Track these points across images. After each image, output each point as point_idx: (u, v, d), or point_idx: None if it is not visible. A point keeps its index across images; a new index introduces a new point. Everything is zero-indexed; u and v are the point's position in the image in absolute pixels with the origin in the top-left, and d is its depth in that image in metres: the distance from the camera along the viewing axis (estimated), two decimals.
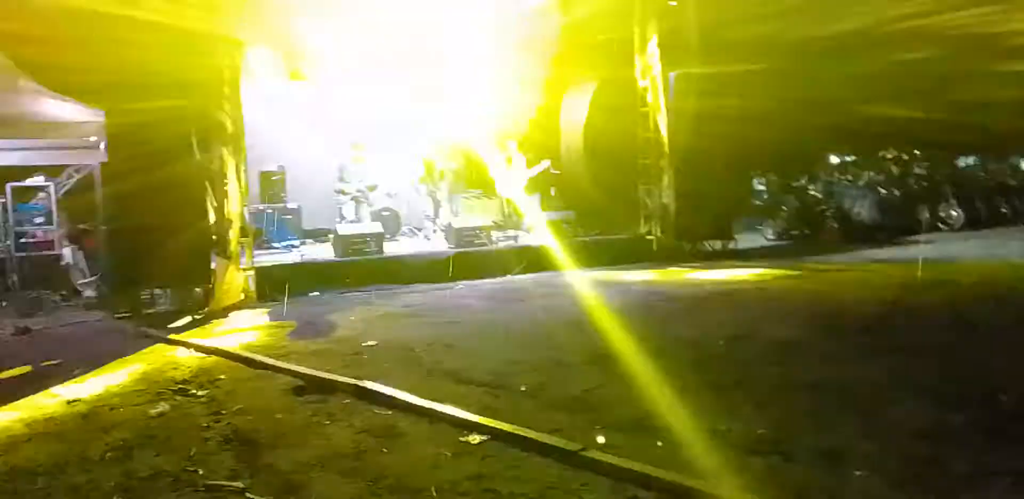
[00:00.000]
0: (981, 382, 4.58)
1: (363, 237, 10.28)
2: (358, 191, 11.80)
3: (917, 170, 15.42)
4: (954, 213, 14.96)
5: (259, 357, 5.97)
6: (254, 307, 8.76)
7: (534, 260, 10.84)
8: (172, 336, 7.11)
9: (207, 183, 8.93)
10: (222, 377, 5.52)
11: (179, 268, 8.59)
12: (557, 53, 13.47)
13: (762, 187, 15.65)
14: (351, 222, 11.53)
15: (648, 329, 6.63)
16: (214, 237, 8.87)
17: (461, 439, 3.93)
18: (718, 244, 12.30)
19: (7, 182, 9.54)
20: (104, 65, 8.07)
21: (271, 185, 12.64)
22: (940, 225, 14.74)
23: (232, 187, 9.02)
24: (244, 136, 9.25)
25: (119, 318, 8.30)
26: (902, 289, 8.22)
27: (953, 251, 11.53)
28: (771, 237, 14.79)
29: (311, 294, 9.39)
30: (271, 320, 7.94)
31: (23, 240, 9.44)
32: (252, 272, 9.12)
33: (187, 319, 8.16)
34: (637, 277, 10.09)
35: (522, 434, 3.86)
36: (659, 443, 3.73)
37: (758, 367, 5.15)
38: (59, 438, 4.26)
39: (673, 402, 4.43)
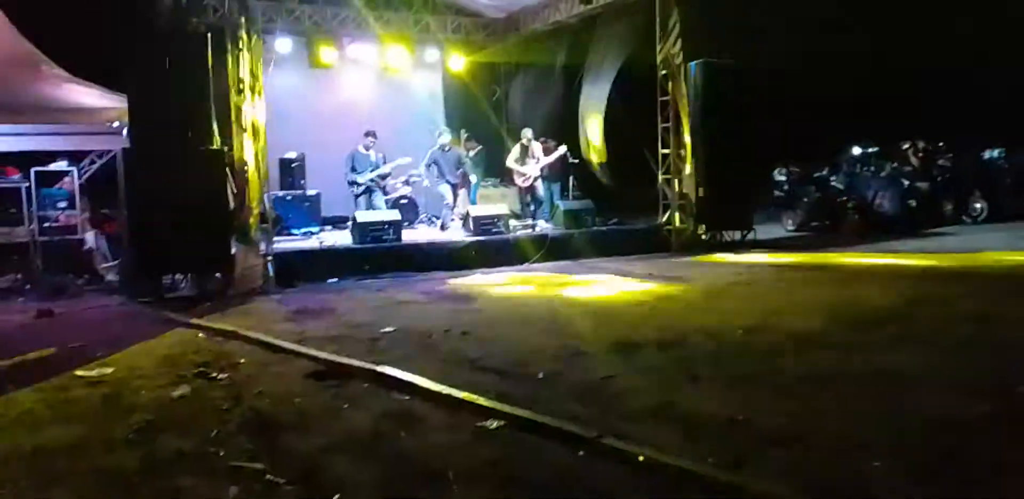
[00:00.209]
0: (1004, 374, 4.52)
1: (381, 224, 10.31)
2: (371, 180, 11.82)
3: (941, 162, 15.22)
4: (978, 205, 14.78)
5: (278, 342, 6.02)
6: (273, 293, 8.83)
7: (552, 249, 10.84)
8: (193, 320, 7.18)
9: (227, 169, 9.00)
10: (242, 361, 5.57)
11: (200, 254, 8.67)
12: (578, 39, 13.47)
13: (782, 178, 15.52)
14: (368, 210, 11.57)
15: (666, 318, 6.62)
16: (234, 223, 8.94)
17: (478, 425, 3.94)
18: (737, 234, 12.23)
19: (31, 167, 9.64)
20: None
21: (291, 172, 12.73)
22: (963, 217, 14.58)
23: (252, 173, 9.08)
24: (265, 123, 9.30)
25: (141, 302, 8.39)
26: (924, 281, 8.14)
27: (976, 243, 11.39)
28: (791, 228, 14.70)
29: (329, 281, 9.45)
30: (290, 306, 8.00)
31: (46, 225, 9.55)
32: (271, 258, 9.19)
33: (207, 304, 8.24)
34: (654, 266, 10.06)
35: (539, 421, 3.86)
36: (676, 435, 3.72)
37: (777, 357, 5.12)
38: (81, 419, 4.32)
39: (691, 391, 4.42)
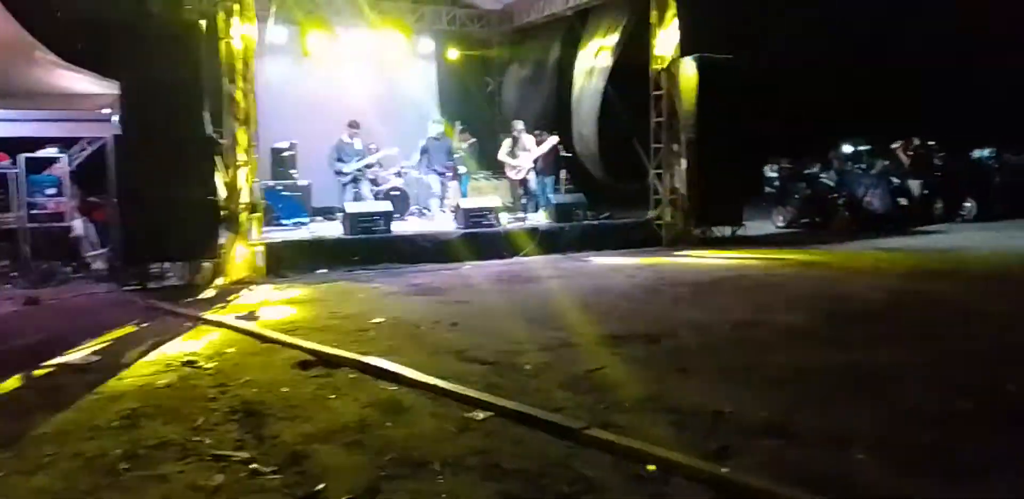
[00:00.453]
0: (989, 370, 4.56)
1: (372, 215, 10.28)
2: (357, 170, 11.79)
3: (935, 160, 15.28)
4: (967, 204, 14.86)
5: (266, 331, 6.01)
6: (262, 282, 8.81)
7: (543, 242, 10.85)
8: (180, 309, 7.15)
9: (218, 158, 8.95)
10: (229, 350, 5.56)
11: (189, 242, 8.63)
12: (573, 32, 13.44)
13: (773, 174, 15.56)
14: (358, 201, 11.55)
15: (655, 312, 6.64)
16: (224, 212, 8.90)
17: (465, 415, 3.94)
18: (727, 230, 12.26)
19: (20, 153, 9.56)
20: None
21: (282, 161, 12.67)
22: (953, 216, 14.66)
23: (243, 162, 9.03)
24: (256, 111, 9.24)
25: (128, 290, 8.35)
26: (911, 278, 8.18)
27: (964, 242, 11.47)
28: (781, 224, 14.75)
29: (319, 271, 9.43)
30: (278, 295, 7.98)
31: (35, 211, 9.47)
32: (261, 247, 9.16)
33: (196, 293, 8.21)
34: (646, 261, 10.08)
35: (526, 411, 3.87)
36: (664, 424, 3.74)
37: (764, 352, 5.14)
38: (67, 406, 4.30)
39: (678, 384, 4.44)
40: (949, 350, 5.12)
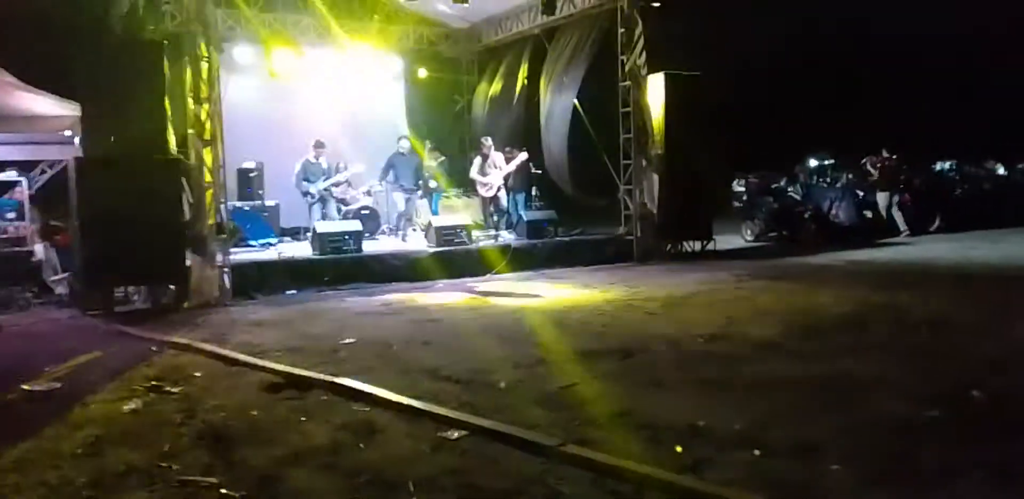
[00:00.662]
0: (954, 380, 4.62)
1: (342, 235, 10.21)
2: (324, 190, 11.75)
3: (902, 176, 15.55)
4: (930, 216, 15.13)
5: (234, 354, 5.90)
6: (230, 304, 8.67)
7: (515, 259, 10.84)
8: (145, 333, 7.01)
9: (183, 179, 8.84)
10: (197, 374, 5.45)
11: (154, 265, 8.47)
12: (541, 50, 13.55)
13: (741, 188, 15.74)
14: (326, 221, 11.47)
15: (627, 327, 6.65)
16: (190, 234, 8.77)
17: (439, 435, 3.90)
18: (697, 245, 12.35)
19: None
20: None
21: (249, 182, 12.56)
22: (906, 230, 14.91)
23: (209, 183, 8.93)
24: (222, 132, 9.16)
25: (92, 315, 8.17)
26: (877, 289, 8.29)
27: (928, 253, 11.67)
28: (750, 238, 14.89)
29: (288, 292, 9.32)
30: (247, 317, 7.86)
31: None
32: (228, 269, 9.03)
33: (161, 316, 8.06)
34: (616, 276, 10.11)
35: (500, 430, 3.84)
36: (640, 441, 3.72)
37: (736, 365, 5.16)
38: (30, 435, 4.17)
39: (652, 398, 4.43)
40: (915, 359, 5.18)
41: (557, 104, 13.00)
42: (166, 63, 8.65)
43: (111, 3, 10.48)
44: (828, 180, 15.20)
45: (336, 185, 12.02)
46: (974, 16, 21.13)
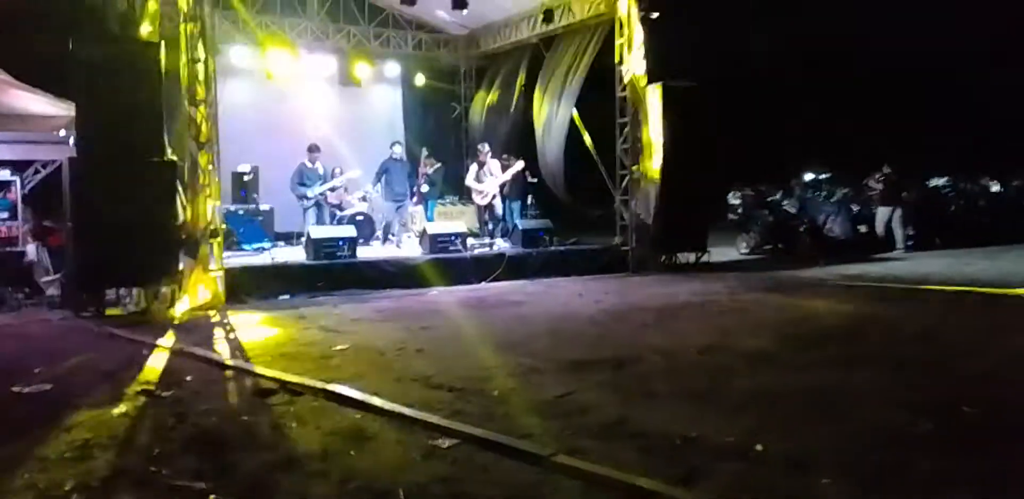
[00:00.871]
0: (946, 393, 4.63)
1: (336, 240, 10.18)
2: (320, 194, 11.76)
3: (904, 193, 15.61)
4: (911, 232, 15.17)
5: (226, 359, 5.88)
6: (222, 309, 8.63)
7: (510, 268, 10.83)
8: (137, 336, 6.97)
9: (178, 181, 8.81)
10: (188, 378, 5.41)
11: (146, 267, 8.43)
12: (539, 58, 13.60)
13: (737, 201, 15.79)
14: (323, 225, 11.46)
15: (621, 338, 6.65)
16: (183, 237, 8.74)
17: (431, 443, 3.87)
18: (692, 256, 12.36)
19: None
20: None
21: (243, 185, 12.54)
22: (908, 243, 14.97)
23: (203, 186, 8.90)
24: (217, 135, 9.14)
25: (83, 317, 8.12)
26: (870, 303, 8.31)
27: (922, 268, 11.71)
28: (744, 251, 14.92)
29: (281, 297, 9.28)
30: (239, 322, 7.83)
31: None
32: (221, 273, 8.99)
33: (153, 319, 8.02)
34: (611, 286, 10.11)
35: (492, 438, 3.82)
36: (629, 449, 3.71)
37: (729, 376, 5.16)
38: (18, 437, 4.13)
39: (645, 408, 4.42)
40: (906, 372, 5.19)
41: (554, 113, 13.03)
42: (162, 64, 8.63)
43: (108, 3, 10.46)
44: (823, 194, 15.26)
45: (332, 190, 12.02)
46: (969, 32, 21.32)
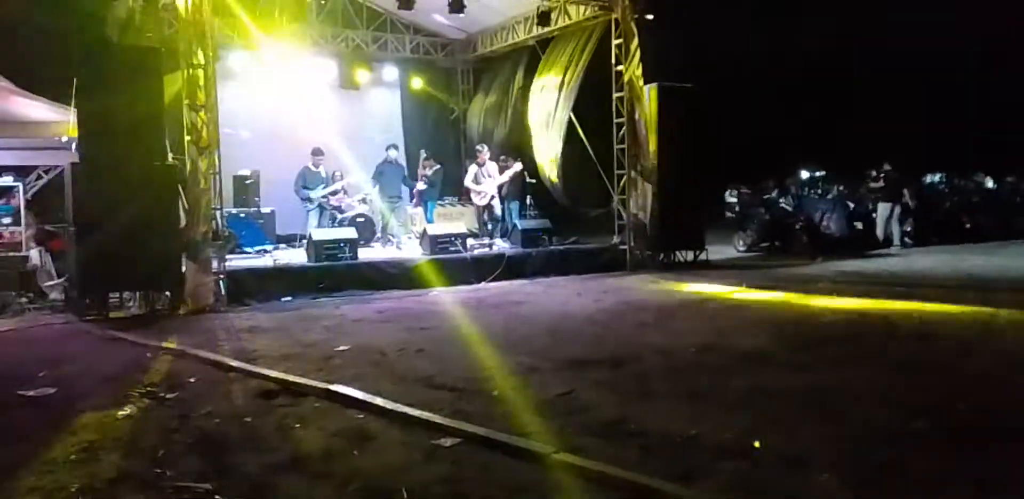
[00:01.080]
0: (941, 392, 4.67)
1: (337, 242, 10.23)
2: (323, 197, 11.82)
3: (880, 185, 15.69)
4: (908, 229, 15.25)
5: (229, 360, 5.92)
6: (224, 311, 8.68)
7: (509, 268, 10.88)
8: (140, 339, 7.01)
9: (179, 185, 8.87)
10: (191, 380, 5.46)
11: (149, 271, 8.48)
12: (535, 60, 13.65)
13: (733, 199, 15.84)
14: (323, 228, 11.51)
15: (620, 337, 6.69)
16: (185, 240, 8.79)
17: (433, 442, 3.92)
18: (690, 255, 12.42)
19: None
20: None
21: (244, 189, 12.58)
22: (906, 240, 15.04)
23: (204, 190, 8.95)
24: (218, 139, 9.19)
25: (87, 321, 8.17)
26: (867, 301, 8.36)
27: (918, 265, 11.76)
28: (741, 249, 14.97)
29: (283, 299, 9.33)
30: (241, 324, 7.87)
31: None
32: (223, 276, 9.04)
33: (156, 322, 8.07)
34: (609, 285, 10.15)
35: (493, 437, 3.87)
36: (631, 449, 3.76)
37: (727, 375, 5.20)
38: (23, 440, 4.18)
39: (644, 407, 4.47)
40: (904, 371, 5.24)
41: (552, 114, 13.07)
42: (162, 70, 8.68)
43: (109, 10, 10.52)
44: (819, 192, 15.31)
45: (333, 194, 12.07)
46: (962, 31, 21.37)
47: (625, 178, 12.01)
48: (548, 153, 13.26)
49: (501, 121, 14.84)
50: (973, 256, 12.63)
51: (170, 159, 8.89)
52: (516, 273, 10.90)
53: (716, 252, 13.03)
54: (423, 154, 13.52)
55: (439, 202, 13.77)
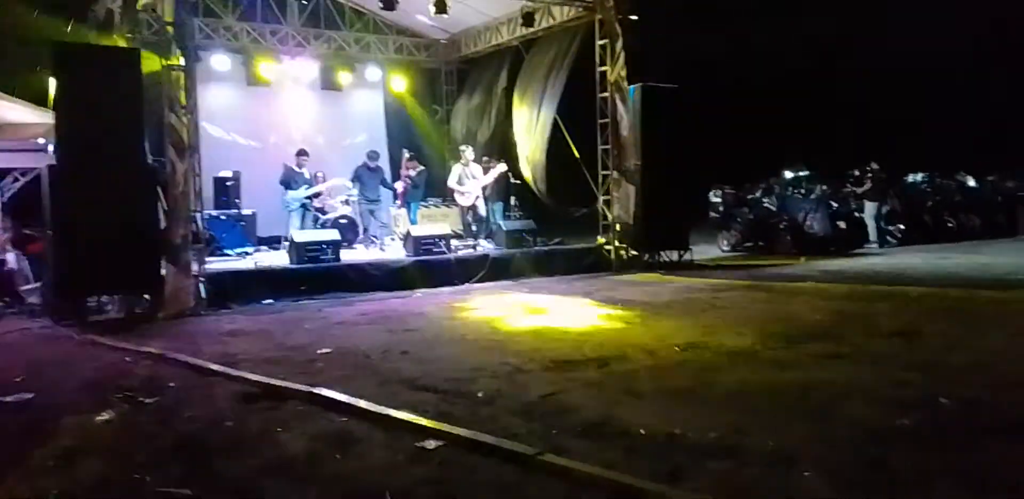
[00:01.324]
0: (925, 387, 4.69)
1: (319, 244, 10.15)
2: (306, 198, 11.75)
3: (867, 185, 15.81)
4: (902, 226, 15.39)
5: (209, 364, 5.85)
6: (205, 314, 8.59)
7: (494, 269, 10.85)
8: (119, 343, 6.92)
9: (159, 187, 8.77)
10: (171, 384, 5.39)
11: (128, 274, 8.38)
12: (519, 61, 13.65)
13: (717, 199, 15.90)
14: (305, 229, 11.43)
15: (605, 336, 6.68)
16: (165, 243, 8.69)
17: (417, 445, 3.88)
18: (674, 255, 12.44)
19: None
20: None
21: (225, 191, 12.49)
22: (890, 238, 15.15)
23: (184, 192, 8.86)
24: (198, 141, 9.11)
25: (64, 325, 8.06)
26: (851, 299, 8.40)
27: (901, 263, 11.85)
28: (726, 248, 15.03)
29: (264, 302, 9.24)
30: (223, 327, 7.79)
31: None
32: (203, 278, 8.95)
33: (135, 326, 7.97)
34: (593, 285, 10.15)
35: (478, 439, 3.84)
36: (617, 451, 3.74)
37: (712, 373, 5.21)
38: (1, 446, 4.10)
39: (629, 407, 4.46)
40: (888, 368, 5.25)
41: (536, 115, 13.07)
42: (142, 71, 8.59)
43: (88, 10, 10.42)
44: (803, 191, 15.40)
45: (317, 195, 12.00)
46: (945, 31, 21.58)
47: (609, 178, 12.02)
48: (532, 154, 13.25)
49: (485, 122, 14.81)
50: (956, 254, 12.75)
51: (149, 161, 8.79)
52: (501, 274, 10.88)
53: (700, 252, 13.08)
54: (405, 154, 13.47)
55: (423, 203, 13.72)
